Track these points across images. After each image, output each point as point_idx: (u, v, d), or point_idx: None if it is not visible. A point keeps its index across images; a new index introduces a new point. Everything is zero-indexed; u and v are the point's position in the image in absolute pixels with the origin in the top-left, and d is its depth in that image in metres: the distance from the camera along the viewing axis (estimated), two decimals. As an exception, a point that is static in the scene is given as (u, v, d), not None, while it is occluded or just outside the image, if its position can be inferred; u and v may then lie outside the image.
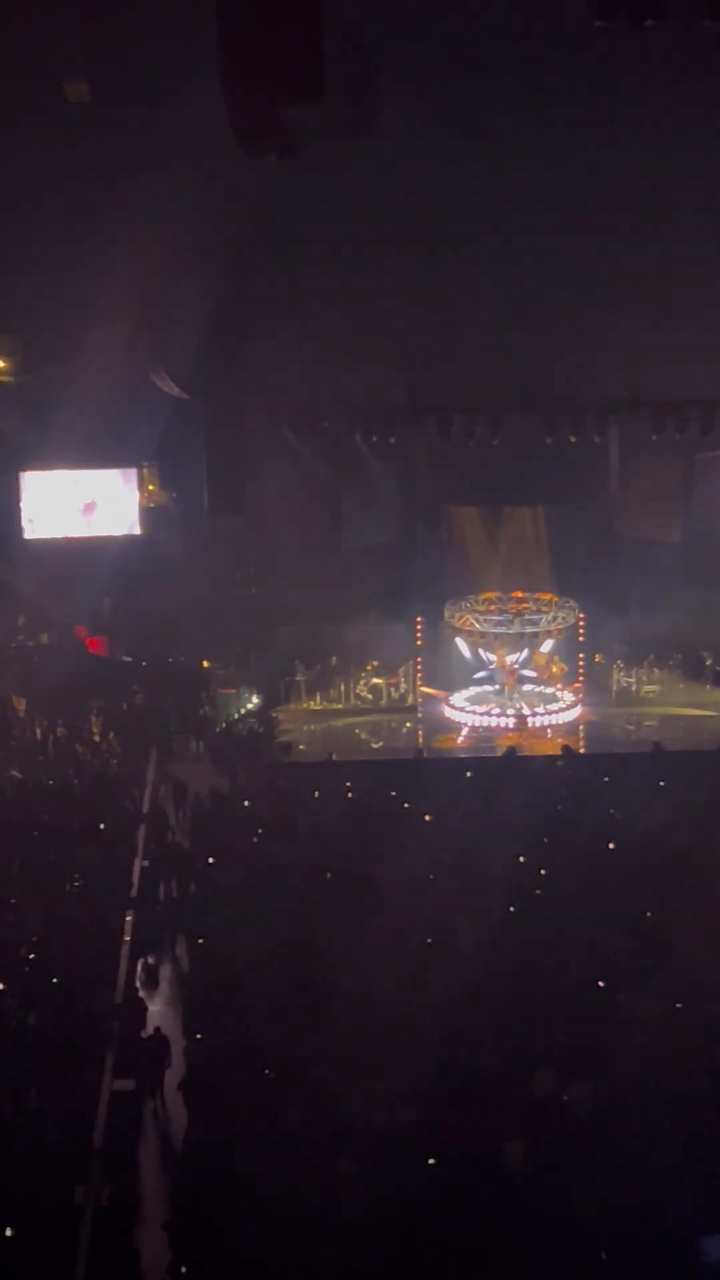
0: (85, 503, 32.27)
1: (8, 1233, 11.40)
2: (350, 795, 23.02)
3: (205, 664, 32.40)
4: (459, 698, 30.84)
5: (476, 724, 29.74)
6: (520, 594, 30.78)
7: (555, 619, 30.14)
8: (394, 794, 22.66)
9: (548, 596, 30.73)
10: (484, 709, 30.15)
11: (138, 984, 16.97)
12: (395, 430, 29.12)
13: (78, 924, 17.55)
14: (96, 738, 28.17)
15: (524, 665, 31.11)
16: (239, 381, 26.62)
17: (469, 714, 30.11)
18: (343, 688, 31.29)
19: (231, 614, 33.08)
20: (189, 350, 26.19)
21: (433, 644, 31.85)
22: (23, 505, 31.84)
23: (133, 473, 32.40)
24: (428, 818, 20.86)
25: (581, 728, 29.94)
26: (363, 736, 29.44)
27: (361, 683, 31.50)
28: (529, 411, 28.15)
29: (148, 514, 32.78)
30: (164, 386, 27.78)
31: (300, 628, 31.85)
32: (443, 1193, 11.27)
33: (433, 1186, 11.40)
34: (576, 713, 30.37)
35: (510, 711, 29.80)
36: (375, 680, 31.56)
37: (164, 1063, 14.39)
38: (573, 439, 28.61)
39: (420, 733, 29.74)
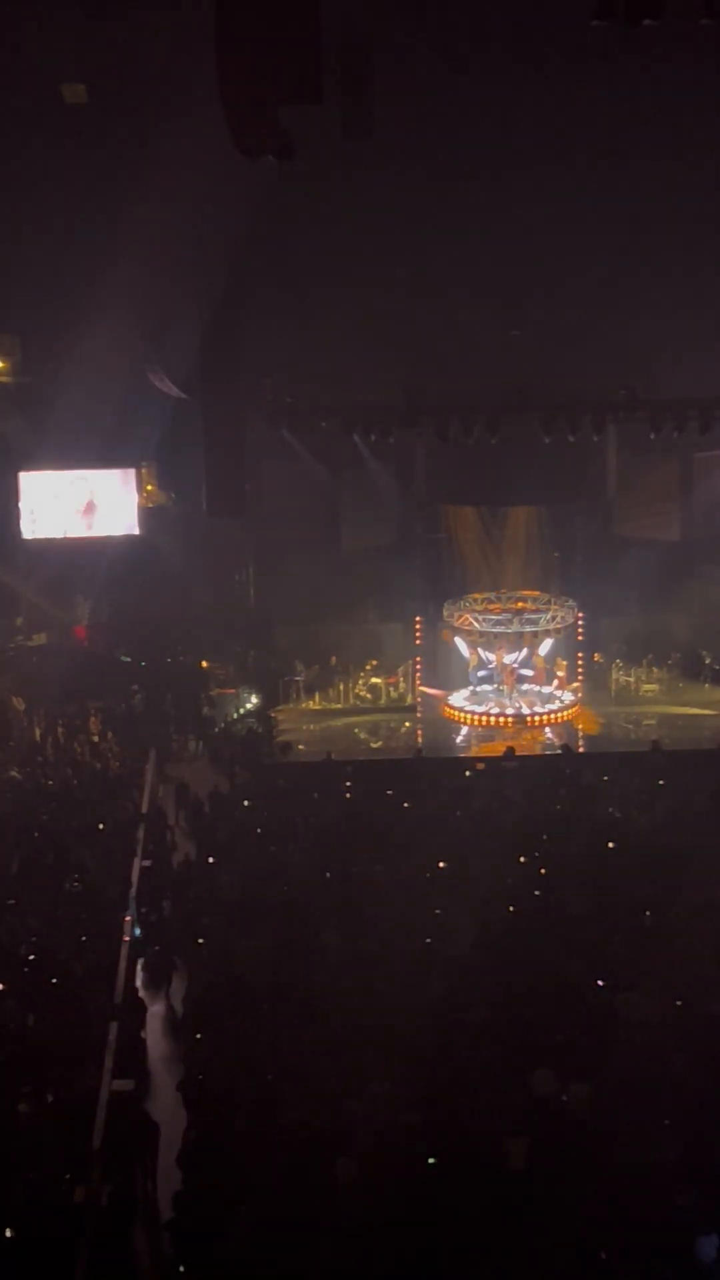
0: (84, 503, 32.30)
1: (7, 1234, 11.41)
2: (349, 795, 23.03)
3: (204, 664, 32.42)
4: (457, 697, 30.87)
5: (475, 723, 29.79)
6: (525, 593, 30.83)
7: (554, 618, 30.17)
8: (393, 793, 22.66)
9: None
10: (483, 709, 30.18)
11: (137, 984, 16.98)
12: (393, 430, 29.14)
13: (77, 924, 17.56)
14: (95, 738, 28.18)
15: (523, 664, 31.14)
16: (237, 382, 26.63)
17: (467, 714, 30.15)
18: (342, 687, 31.31)
19: (230, 614, 33.13)
20: (187, 350, 26.21)
21: (432, 644, 31.89)
22: (21, 505, 31.86)
23: (131, 473, 32.45)
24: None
25: (580, 727, 29.97)
26: (362, 736, 29.46)
27: (360, 682, 31.52)
28: (527, 411, 28.18)
29: (146, 514, 32.82)
30: (162, 386, 27.80)
31: (299, 628, 31.89)
32: (442, 1193, 11.28)
33: (432, 1186, 11.40)
34: (575, 712, 30.39)
35: (509, 711, 29.84)
36: (374, 680, 31.59)
37: (155, 1145, 13.60)
38: (571, 439, 28.63)
39: (420, 732, 29.77)
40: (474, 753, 27.92)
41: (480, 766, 25.43)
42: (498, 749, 26.94)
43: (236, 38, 12.42)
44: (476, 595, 30.93)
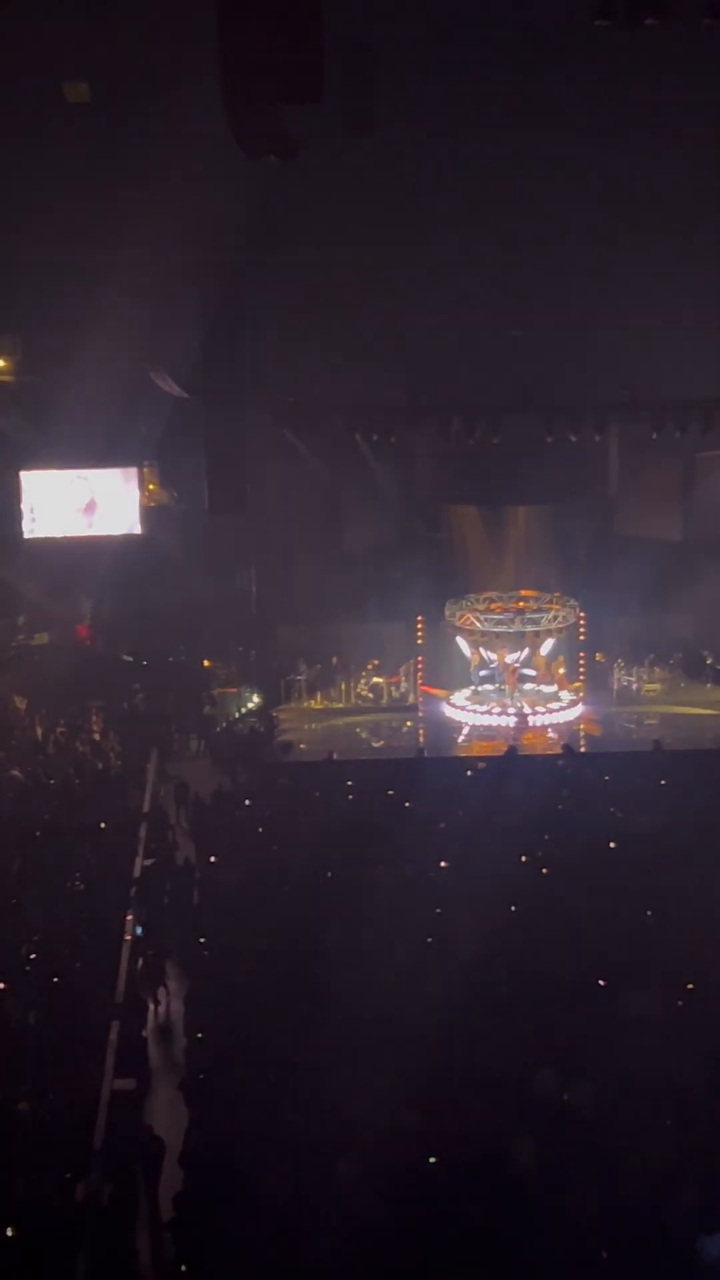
0: (85, 502, 32.28)
1: (8, 1233, 11.41)
2: (351, 794, 23.02)
3: (206, 663, 32.41)
4: (459, 697, 30.86)
5: (477, 723, 29.77)
6: (526, 593, 30.84)
7: (556, 618, 30.16)
8: (394, 793, 22.65)
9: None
10: (484, 708, 30.18)
11: (138, 984, 16.98)
12: (395, 430, 29.12)
13: (78, 923, 17.56)
14: (97, 737, 28.19)
15: (525, 664, 31.13)
16: (239, 381, 26.64)
17: (469, 713, 30.13)
18: (343, 687, 31.30)
19: (232, 613, 33.11)
20: (189, 349, 26.23)
21: (433, 643, 31.87)
22: (22, 504, 31.85)
23: (133, 472, 32.38)
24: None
25: (582, 726, 29.95)
26: (363, 736, 29.45)
27: (362, 682, 31.50)
28: (529, 411, 28.16)
29: (148, 513, 32.76)
30: (164, 386, 27.81)
31: (301, 627, 31.87)
32: (443, 1192, 11.28)
33: (433, 1186, 11.40)
34: (577, 711, 30.38)
35: (511, 710, 29.82)
36: (376, 679, 31.57)
37: (159, 1162, 13.12)
38: (573, 438, 28.61)
39: (421, 732, 29.77)
40: (473, 752, 27.93)
41: (481, 766, 25.43)
42: (495, 747, 26.99)
43: (239, 37, 12.42)
44: (478, 595, 30.91)
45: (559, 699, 30.65)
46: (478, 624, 30.36)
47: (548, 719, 29.78)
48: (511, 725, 29.22)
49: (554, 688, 31.10)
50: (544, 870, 18.87)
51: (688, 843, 19.47)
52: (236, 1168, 11.87)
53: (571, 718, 30.12)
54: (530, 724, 29.39)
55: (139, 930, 17.94)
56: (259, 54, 12.50)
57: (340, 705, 31.00)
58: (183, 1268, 11.34)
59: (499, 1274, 10.47)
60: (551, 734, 29.07)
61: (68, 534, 32.08)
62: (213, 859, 20.15)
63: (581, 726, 29.93)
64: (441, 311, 26.25)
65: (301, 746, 27.92)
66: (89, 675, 30.92)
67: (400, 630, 32.17)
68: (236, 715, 30.45)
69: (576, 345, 27.00)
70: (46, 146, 21.44)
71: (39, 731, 28.44)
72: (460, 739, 29.28)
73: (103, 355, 26.22)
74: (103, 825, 21.63)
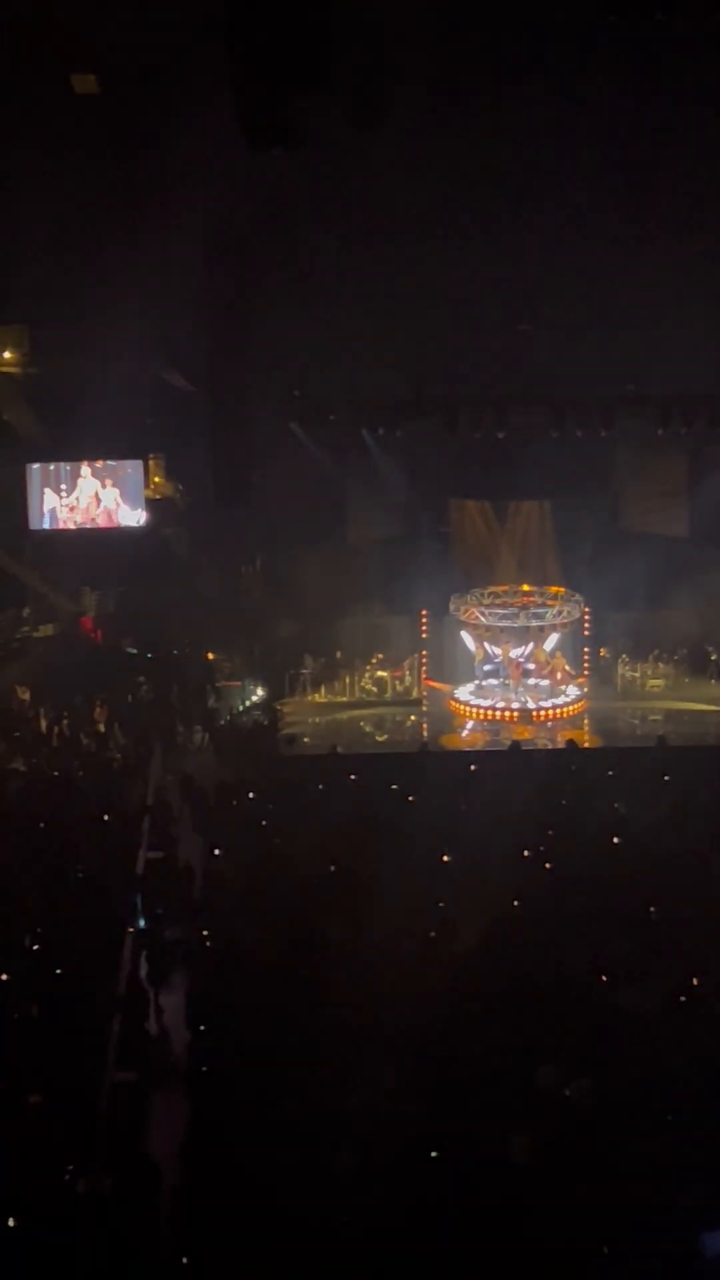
0: (91, 494, 32.28)
1: (9, 1223, 11.42)
2: (354, 788, 23.01)
3: (210, 656, 32.41)
4: (463, 691, 30.84)
5: (480, 718, 29.75)
6: (528, 588, 30.80)
7: (560, 613, 30.14)
8: (398, 787, 22.64)
9: (555, 590, 30.73)
10: (489, 703, 30.15)
11: (141, 976, 16.98)
12: (401, 423, 29.10)
13: (81, 915, 17.56)
14: (101, 729, 28.20)
15: (529, 659, 31.11)
16: (246, 374, 26.65)
17: (473, 708, 30.10)
18: (347, 680, 31.30)
19: (236, 606, 33.12)
20: (196, 342, 26.22)
21: (438, 637, 31.85)
22: (28, 496, 31.87)
23: (139, 464, 32.40)
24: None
25: (586, 722, 29.93)
26: (367, 729, 29.46)
27: (366, 676, 31.50)
28: (535, 405, 28.12)
29: (154, 506, 32.79)
30: (171, 379, 27.81)
31: (305, 620, 31.87)
32: (444, 1187, 11.28)
33: (434, 1180, 11.40)
34: (581, 707, 30.35)
35: (515, 705, 29.80)
36: (380, 673, 31.56)
37: (159, 1186, 12.73)
38: (579, 433, 28.58)
39: (425, 726, 29.75)
40: (476, 745, 27.93)
41: (485, 761, 25.42)
42: (498, 741, 26.95)
43: (247, 27, 12.39)
44: (482, 589, 30.89)
45: (565, 693, 30.61)
46: (482, 618, 30.35)
47: (552, 714, 29.75)
48: (515, 720, 29.22)
49: (552, 682, 31.05)
50: (547, 865, 18.86)
51: (691, 839, 19.47)
52: (238, 1161, 11.88)
53: (575, 712, 30.08)
54: (534, 718, 29.38)
55: (141, 923, 17.94)
56: (267, 44, 12.46)
57: (344, 699, 31.01)
58: (183, 1260, 11.35)
59: (500, 1268, 10.47)
60: (555, 728, 29.05)
61: (74, 525, 32.11)
62: (216, 852, 20.16)
63: (585, 722, 29.90)
64: (448, 305, 26.24)
65: (305, 740, 27.93)
66: (93, 667, 30.94)
67: (404, 624, 32.16)
68: (240, 708, 30.46)
69: (582, 339, 26.99)
70: (54, 138, 21.42)
71: (43, 723, 28.46)
72: (463, 734, 29.27)
73: (109, 347, 26.26)
74: (106, 818, 21.65)
